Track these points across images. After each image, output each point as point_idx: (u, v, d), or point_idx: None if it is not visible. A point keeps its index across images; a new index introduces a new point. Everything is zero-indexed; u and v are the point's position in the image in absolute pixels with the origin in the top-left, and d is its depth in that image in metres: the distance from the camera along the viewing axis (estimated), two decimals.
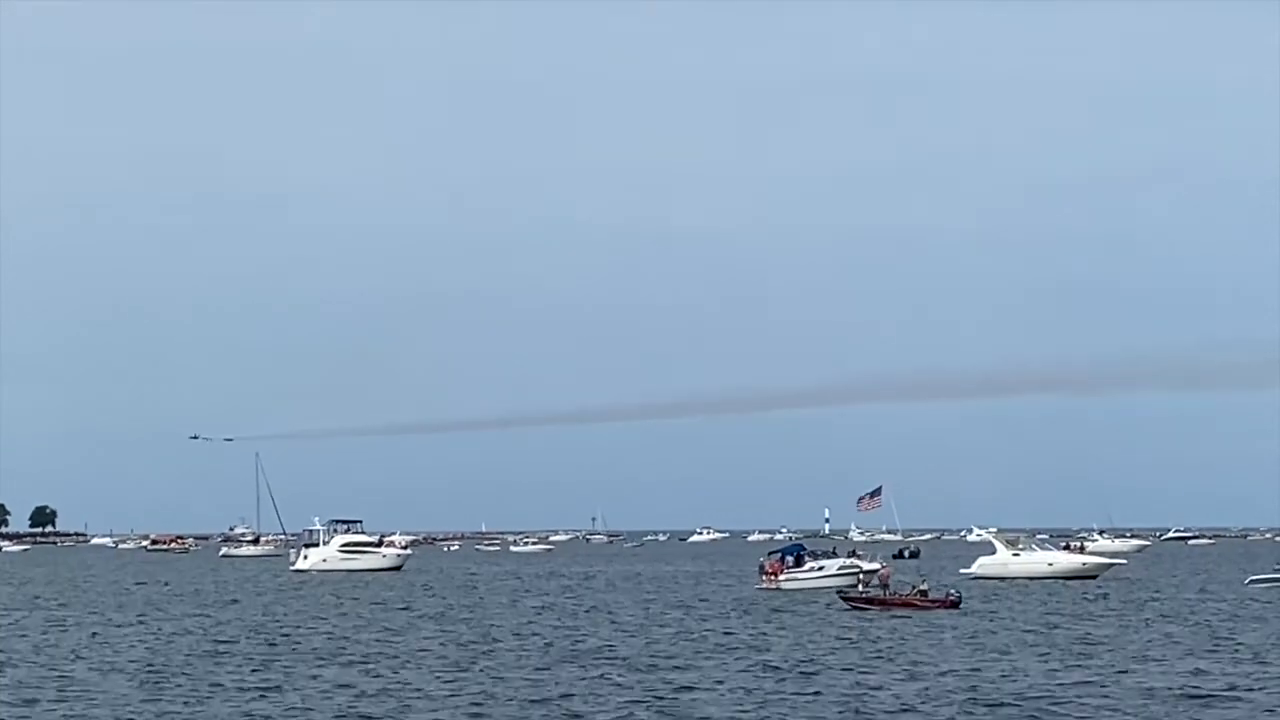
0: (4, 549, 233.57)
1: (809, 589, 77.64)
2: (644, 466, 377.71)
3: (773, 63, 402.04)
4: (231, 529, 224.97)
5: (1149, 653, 44.97)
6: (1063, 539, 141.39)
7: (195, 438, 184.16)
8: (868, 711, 32.59)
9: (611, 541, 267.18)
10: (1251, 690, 35.86)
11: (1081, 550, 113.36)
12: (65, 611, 69.64)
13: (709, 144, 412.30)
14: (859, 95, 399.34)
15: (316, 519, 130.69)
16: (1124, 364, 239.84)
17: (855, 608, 65.07)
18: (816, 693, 35.50)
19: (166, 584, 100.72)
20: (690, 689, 36.07)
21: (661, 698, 34.51)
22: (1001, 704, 33.41)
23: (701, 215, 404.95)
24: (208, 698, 35.11)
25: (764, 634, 52.38)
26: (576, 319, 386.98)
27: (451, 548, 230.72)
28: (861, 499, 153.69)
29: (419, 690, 36.21)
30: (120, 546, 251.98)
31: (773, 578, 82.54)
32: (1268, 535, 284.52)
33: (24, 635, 54.63)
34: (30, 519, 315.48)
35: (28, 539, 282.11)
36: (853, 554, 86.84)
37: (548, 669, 40.64)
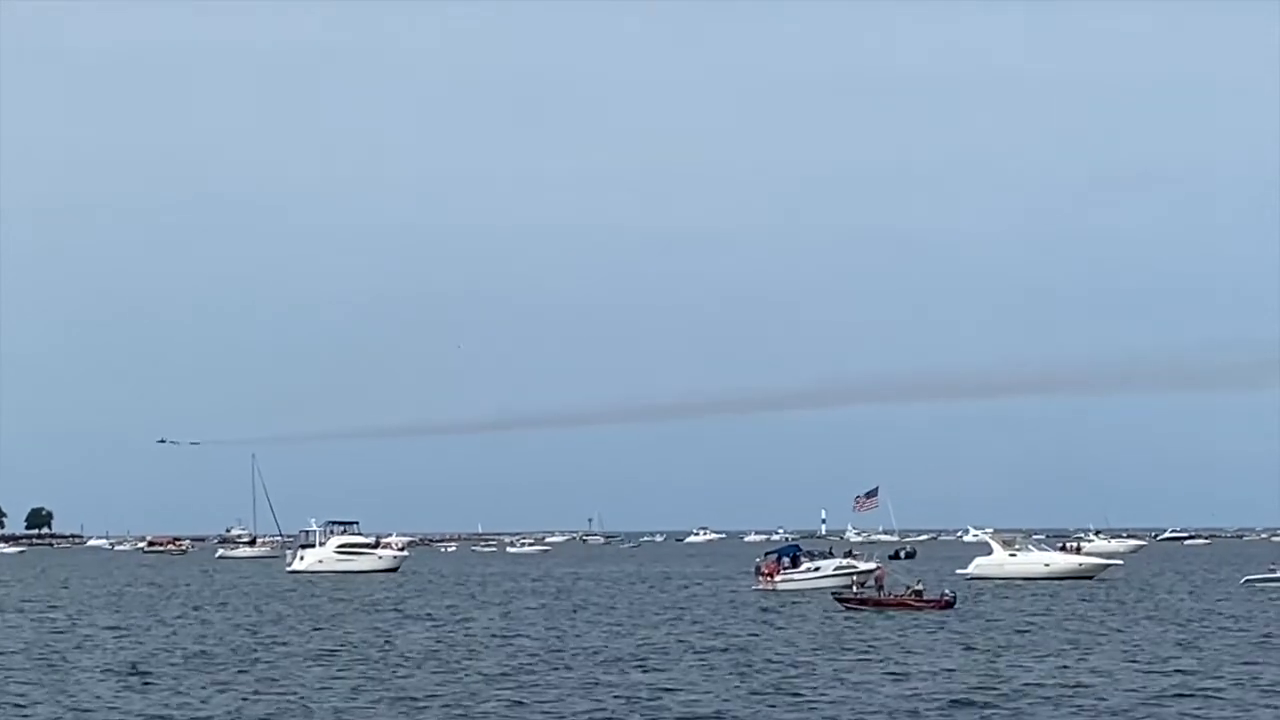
0: (0, 551, 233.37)
1: (805, 590, 77.51)
2: (641, 468, 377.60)
3: (773, 63, 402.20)
4: (228, 530, 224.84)
5: (1135, 653, 44.89)
6: (1059, 539, 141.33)
7: (162, 441, 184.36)
8: (845, 713, 32.49)
9: (608, 542, 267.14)
10: (1230, 689, 35.78)
11: (1078, 551, 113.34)
12: (45, 613, 69.54)
13: (709, 144, 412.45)
14: (859, 95, 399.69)
15: (313, 520, 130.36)
16: (1122, 364, 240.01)
17: (849, 608, 64.99)
18: (795, 694, 35.43)
19: (155, 585, 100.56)
20: (674, 690, 35.99)
21: (648, 700, 34.40)
22: (986, 704, 33.34)
23: (701, 215, 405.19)
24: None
25: (754, 635, 52.28)
26: (576, 319, 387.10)
27: (448, 549, 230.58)
28: (858, 499, 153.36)
29: (409, 690, 36.14)
30: (117, 548, 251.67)
31: (769, 579, 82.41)
32: (1263, 535, 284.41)
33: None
34: (26, 521, 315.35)
35: (24, 541, 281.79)
36: (849, 554, 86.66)
37: (536, 670, 40.53)
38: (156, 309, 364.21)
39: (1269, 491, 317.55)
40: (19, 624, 61.83)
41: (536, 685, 36.99)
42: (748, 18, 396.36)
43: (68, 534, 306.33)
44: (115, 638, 53.61)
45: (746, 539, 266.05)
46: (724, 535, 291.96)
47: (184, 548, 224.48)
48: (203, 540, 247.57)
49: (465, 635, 53.20)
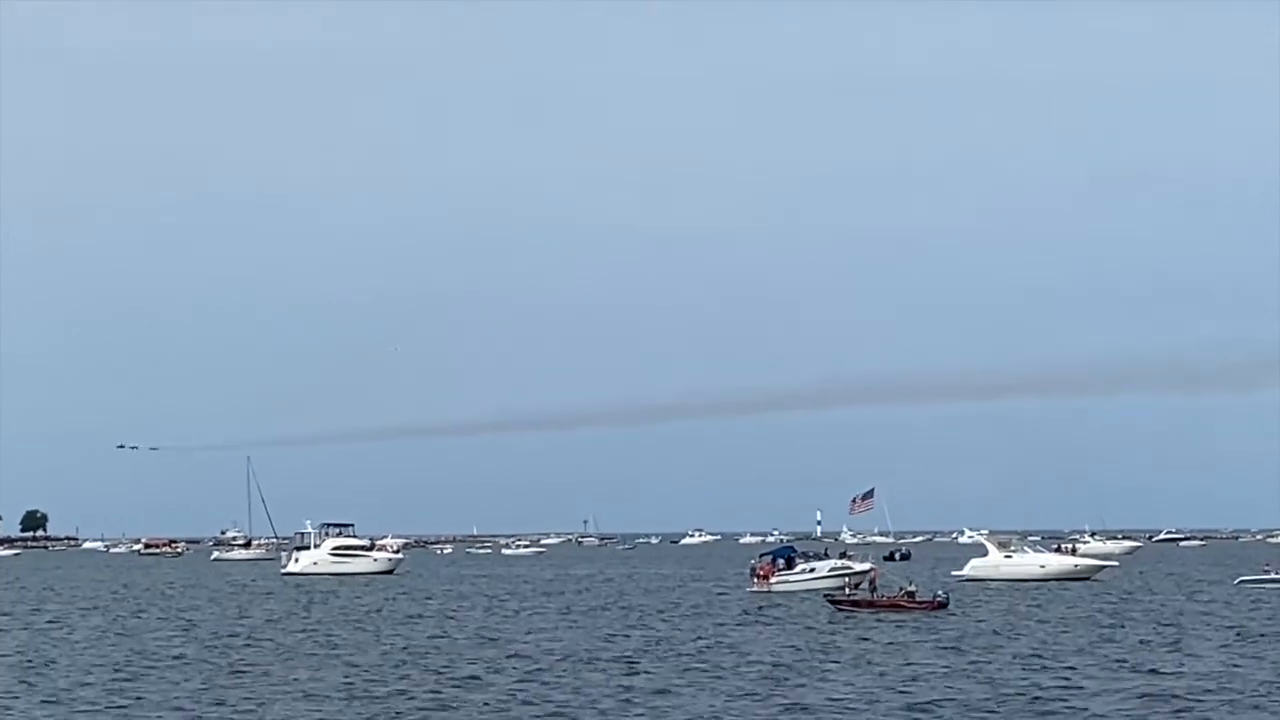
0: None
1: (800, 591, 77.42)
2: (636, 469, 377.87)
3: (773, 63, 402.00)
4: (223, 533, 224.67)
5: (1125, 656, 44.80)
6: (1055, 541, 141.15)
7: (121, 446, 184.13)
8: (831, 715, 32.44)
9: (604, 544, 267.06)
10: (1211, 692, 35.70)
11: (1073, 552, 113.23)
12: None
13: (709, 144, 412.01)
14: (859, 95, 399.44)
15: (308, 522, 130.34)
16: (1121, 364, 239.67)
17: (842, 610, 64.90)
18: (769, 695, 35.41)
19: (126, 586, 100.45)
20: (665, 693, 35.95)
21: (638, 703, 34.30)
22: (968, 706, 33.28)
23: (701, 215, 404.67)
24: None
25: (744, 636, 52.26)
26: (576, 319, 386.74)
27: (443, 551, 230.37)
28: (853, 501, 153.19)
29: (398, 691, 36.02)
30: (112, 551, 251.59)
31: (764, 580, 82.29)
32: (1258, 537, 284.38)
33: None
34: (21, 523, 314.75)
35: (18, 543, 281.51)
36: (844, 556, 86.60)
37: (525, 672, 40.42)
38: (156, 309, 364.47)
39: (1268, 492, 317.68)
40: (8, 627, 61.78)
41: (529, 687, 36.87)
42: (748, 18, 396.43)
43: (62, 536, 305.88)
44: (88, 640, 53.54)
45: (742, 540, 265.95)
46: (719, 537, 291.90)
47: (179, 550, 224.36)
48: (198, 543, 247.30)
49: (454, 638, 53.08)
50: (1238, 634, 52.49)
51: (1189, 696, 34.82)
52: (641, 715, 32.60)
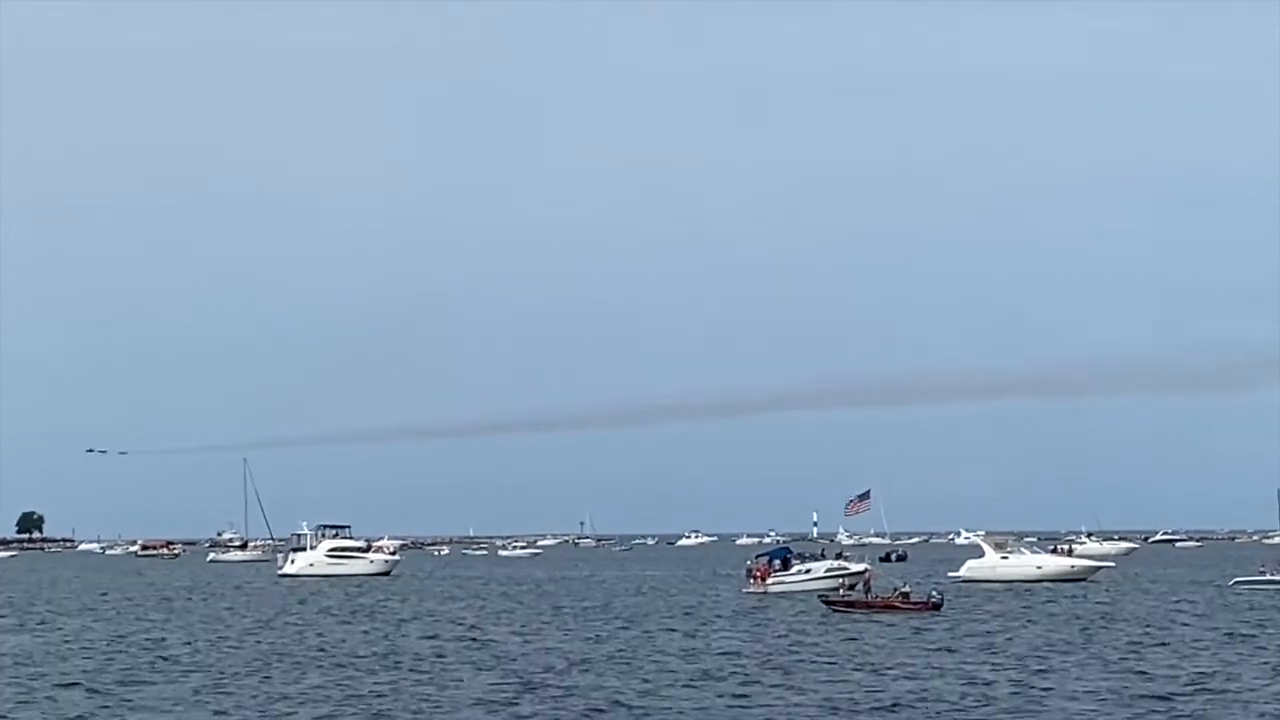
0: None
1: (796, 592, 77.31)
2: (633, 470, 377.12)
3: (773, 63, 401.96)
4: (219, 534, 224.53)
5: (1119, 657, 44.66)
6: (1051, 542, 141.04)
7: (91, 450, 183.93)
8: (818, 715, 32.31)
9: (600, 545, 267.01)
10: (1198, 692, 35.55)
11: (1069, 553, 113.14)
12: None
13: (709, 144, 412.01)
14: (859, 95, 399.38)
15: (304, 523, 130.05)
16: (1121, 364, 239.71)
17: (836, 611, 64.77)
18: (749, 695, 35.32)
19: (103, 593, 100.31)
20: (657, 693, 35.82)
21: (623, 705, 34.17)
22: (959, 707, 33.13)
23: (701, 215, 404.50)
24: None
25: (739, 638, 52.13)
26: (576, 319, 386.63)
27: (440, 552, 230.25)
28: (850, 503, 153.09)
29: (388, 694, 35.90)
30: (108, 552, 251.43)
31: (760, 581, 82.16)
32: (1254, 537, 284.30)
33: None
34: (17, 524, 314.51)
35: (14, 545, 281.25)
36: (840, 557, 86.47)
37: (513, 674, 40.27)
38: (156, 309, 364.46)
39: (1265, 493, 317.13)
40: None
41: (510, 691, 36.71)
42: (748, 18, 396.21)
43: (59, 538, 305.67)
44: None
45: (738, 542, 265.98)
46: (716, 538, 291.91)
47: (176, 552, 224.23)
48: (194, 544, 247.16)
49: (453, 637, 52.94)
50: (1228, 635, 52.34)
51: (1179, 698, 34.69)
52: (628, 717, 32.43)
